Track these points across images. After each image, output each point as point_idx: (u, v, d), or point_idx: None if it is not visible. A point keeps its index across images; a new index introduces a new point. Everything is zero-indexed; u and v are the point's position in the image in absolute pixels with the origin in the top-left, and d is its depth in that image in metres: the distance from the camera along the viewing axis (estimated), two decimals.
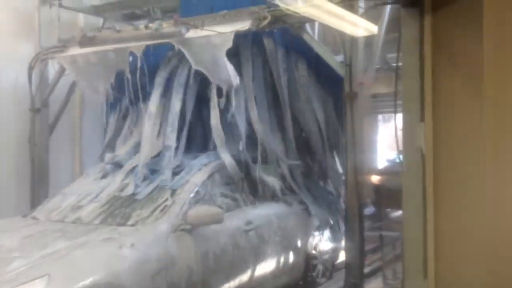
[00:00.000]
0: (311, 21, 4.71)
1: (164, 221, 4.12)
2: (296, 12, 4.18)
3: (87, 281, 3.28)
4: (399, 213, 7.36)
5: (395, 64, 6.75)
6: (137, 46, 5.31)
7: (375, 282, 5.49)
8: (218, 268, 4.31)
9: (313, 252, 5.65)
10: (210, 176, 4.78)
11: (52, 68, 6.57)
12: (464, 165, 2.44)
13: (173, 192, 4.47)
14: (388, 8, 4.87)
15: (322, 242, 5.79)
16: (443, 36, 2.44)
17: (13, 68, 6.56)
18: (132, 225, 4.12)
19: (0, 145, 6.43)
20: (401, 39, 2.63)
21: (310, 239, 5.59)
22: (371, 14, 4.54)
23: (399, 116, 2.95)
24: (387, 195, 7.42)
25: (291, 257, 5.29)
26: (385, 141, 11.89)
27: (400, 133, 2.84)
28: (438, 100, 2.45)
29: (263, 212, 5.09)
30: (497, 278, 2.34)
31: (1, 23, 6.45)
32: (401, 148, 2.87)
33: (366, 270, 5.29)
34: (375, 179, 8.00)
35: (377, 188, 7.79)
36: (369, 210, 6.96)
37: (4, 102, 6.52)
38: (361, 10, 4.45)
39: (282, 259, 5.15)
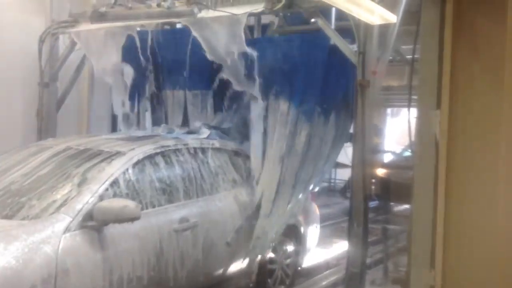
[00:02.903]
0: (326, 5, 4.63)
1: (58, 216, 3.29)
2: None
3: None
4: (403, 207, 7.35)
5: (408, 56, 6.72)
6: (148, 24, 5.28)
7: (377, 274, 5.47)
8: (136, 277, 3.57)
9: (271, 254, 4.95)
10: (143, 161, 4.01)
11: (63, 43, 6.53)
12: (479, 157, 2.39)
13: (83, 179, 3.64)
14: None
15: (283, 242, 5.14)
16: (465, 22, 2.37)
17: (23, 41, 6.54)
18: (22, 219, 3.31)
19: (8, 118, 6.43)
20: (420, 22, 2.56)
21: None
22: (387, 3, 4.45)
23: (412, 110, 2.89)
24: (392, 189, 7.39)
25: (239, 260, 4.63)
26: (393, 135, 11.85)
27: (413, 122, 2.78)
28: (456, 87, 2.39)
29: (209, 207, 4.40)
30: (507, 272, 2.30)
31: None
32: (413, 138, 2.82)
33: (368, 261, 5.27)
34: (380, 172, 7.96)
35: (382, 181, 7.76)
36: (372, 203, 6.95)
37: (14, 75, 6.52)
38: None
39: (226, 263, 4.51)
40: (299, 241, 5.37)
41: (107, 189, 3.60)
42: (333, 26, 5.00)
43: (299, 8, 4.79)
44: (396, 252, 5.80)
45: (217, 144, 4.94)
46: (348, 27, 4.64)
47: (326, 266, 6.17)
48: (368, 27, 4.51)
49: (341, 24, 4.98)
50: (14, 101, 6.57)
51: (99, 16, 5.40)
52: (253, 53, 5.02)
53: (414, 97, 2.88)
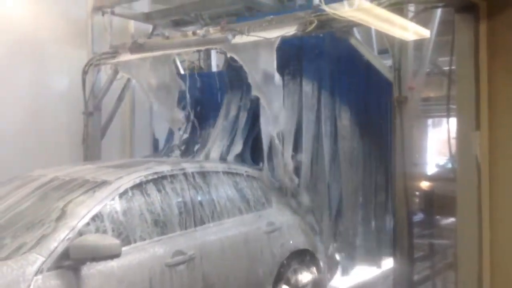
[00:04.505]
0: (358, 25, 4.65)
1: (30, 256, 2.97)
2: (342, 17, 4.14)
3: None
4: (449, 220, 7.15)
5: (445, 68, 6.62)
6: (185, 52, 5.44)
7: None
8: None
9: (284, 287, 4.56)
10: (132, 190, 3.67)
11: (105, 73, 6.79)
12: None
13: (62, 214, 3.30)
14: (439, 10, 4.74)
15: (300, 272, 4.73)
16: (499, 43, 2.35)
17: (68, 73, 6.87)
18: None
19: (56, 146, 6.72)
20: (454, 44, 2.54)
21: (279, 269, 4.49)
22: (421, 17, 4.43)
23: (451, 120, 2.87)
24: (437, 202, 7.22)
25: None
26: (435, 146, 11.60)
27: (452, 136, 2.75)
28: (494, 108, 2.36)
29: (209, 237, 3.98)
30: None
31: (57, 30, 6.76)
32: (453, 153, 2.79)
33: (415, 277, 5.16)
34: (424, 185, 7.80)
35: (426, 195, 7.59)
36: (418, 217, 6.79)
37: (59, 106, 6.83)
38: (410, 14, 4.35)
39: None
40: (318, 268, 4.91)
41: (88, 224, 3.28)
42: (375, 44, 5.01)
43: (331, 29, 4.82)
44: (444, 267, 5.65)
45: (219, 167, 4.59)
46: None
47: (372, 284, 6.06)
48: (402, 43, 4.50)
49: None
50: (60, 131, 6.86)
51: (138, 47, 5.62)
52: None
53: (453, 106, 2.86)
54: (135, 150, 7.50)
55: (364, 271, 6.17)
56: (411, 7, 4.37)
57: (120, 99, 6.99)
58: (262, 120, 5.14)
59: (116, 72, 6.54)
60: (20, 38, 6.33)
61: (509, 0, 2.30)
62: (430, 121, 12.07)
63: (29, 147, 6.34)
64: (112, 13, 6.63)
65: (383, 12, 3.93)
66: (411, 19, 4.22)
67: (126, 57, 6.06)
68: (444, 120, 11.54)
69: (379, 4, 3.99)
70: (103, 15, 6.66)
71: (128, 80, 6.69)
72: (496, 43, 2.36)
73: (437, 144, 11.49)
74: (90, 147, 6.84)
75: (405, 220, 4.50)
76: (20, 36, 6.33)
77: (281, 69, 5.07)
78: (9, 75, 6.27)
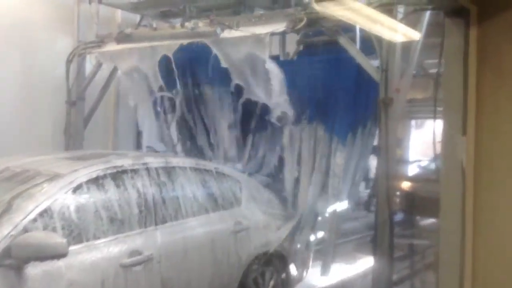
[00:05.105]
0: (348, 24, 4.65)
1: None
2: (332, 16, 4.13)
3: None
4: (430, 221, 7.25)
5: (432, 71, 6.67)
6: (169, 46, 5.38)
7: None
8: None
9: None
10: (87, 185, 3.41)
11: (90, 63, 6.70)
12: (507, 183, 2.36)
13: (7, 208, 3.05)
14: (427, 12, 4.76)
15: (268, 274, 4.54)
16: (489, 48, 2.36)
17: (51, 61, 6.73)
18: None
19: (37, 136, 6.61)
20: (443, 48, 2.55)
21: (246, 271, 4.31)
22: (410, 18, 4.44)
23: (436, 122, 2.89)
24: (418, 203, 7.30)
25: None
26: (418, 147, 11.72)
27: (438, 138, 2.77)
28: (481, 113, 2.38)
29: (170, 236, 3.73)
30: None
31: (42, 17, 6.63)
32: (437, 153, 2.81)
33: (394, 277, 5.21)
34: (406, 185, 7.88)
35: (407, 195, 7.67)
36: (398, 216, 6.87)
37: (42, 94, 6.71)
38: (399, 15, 4.36)
39: None
40: (285, 269, 4.77)
41: (35, 220, 3.03)
42: (358, 42, 5.01)
43: (320, 27, 4.82)
44: (423, 268, 5.72)
45: (186, 163, 4.33)
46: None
47: (350, 283, 6.11)
48: (390, 44, 4.51)
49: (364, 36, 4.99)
50: (42, 119, 6.76)
51: (124, 37, 5.55)
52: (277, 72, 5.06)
53: (439, 108, 2.88)
54: (118, 141, 7.42)
55: (342, 270, 6.23)
56: (401, 9, 4.38)
57: (104, 89, 6.90)
58: None
59: (101, 62, 6.45)
60: (6, 23, 6.20)
61: (501, 5, 2.32)
62: (413, 122, 12.17)
63: (12, 134, 6.22)
64: (99, 1, 6.53)
65: (373, 12, 3.94)
66: (400, 21, 4.24)
67: (112, 47, 5.98)
68: (427, 121, 11.68)
69: (369, 4, 4.00)
70: (90, 3, 6.56)
71: (114, 70, 6.60)
72: (486, 48, 2.38)
73: (419, 145, 11.61)
74: (72, 137, 6.75)
75: (387, 220, 4.53)
76: (6, 21, 6.20)
77: None
78: None
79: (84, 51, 6.49)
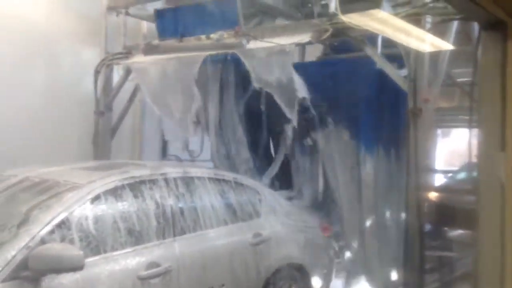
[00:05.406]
0: (374, 34, 4.62)
1: None
2: (358, 26, 4.12)
3: None
4: (458, 232, 7.09)
5: (459, 79, 6.56)
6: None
7: None
8: None
9: None
10: (105, 195, 3.36)
11: (117, 73, 6.80)
12: None
13: (25, 219, 3.03)
14: (455, 22, 4.70)
15: (287, 287, 4.41)
16: None
17: (81, 72, 6.87)
18: None
19: (65, 146, 6.71)
20: (476, 59, 2.50)
21: (265, 285, 4.18)
22: (437, 28, 4.39)
23: (466, 131, 2.84)
24: (446, 213, 7.15)
25: None
26: (444, 156, 11.52)
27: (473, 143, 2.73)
28: None
29: (189, 248, 3.67)
30: None
31: (71, 29, 6.76)
32: (471, 163, 2.76)
33: None
34: (433, 196, 7.73)
35: (435, 206, 7.51)
36: (426, 227, 6.73)
37: (70, 105, 6.82)
38: (427, 25, 4.31)
39: None
40: (306, 282, 4.62)
41: (52, 232, 2.99)
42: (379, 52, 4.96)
43: (346, 37, 4.80)
44: (452, 280, 5.59)
45: (205, 173, 4.26)
46: (395, 54, 4.61)
47: None
48: (418, 54, 4.46)
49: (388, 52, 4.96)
50: (70, 130, 6.85)
51: (151, 49, 5.63)
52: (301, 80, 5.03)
53: (465, 117, 2.83)
54: (144, 151, 7.50)
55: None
56: (429, 18, 4.33)
57: (131, 99, 6.99)
58: None
59: (128, 72, 6.54)
60: (35, 35, 6.34)
61: None
62: (439, 131, 11.99)
63: (40, 144, 6.33)
64: (127, 13, 6.64)
65: (400, 22, 3.90)
66: (428, 30, 4.19)
67: (139, 58, 6.06)
68: (453, 130, 11.48)
69: (396, 15, 3.97)
70: (117, 15, 6.67)
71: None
72: None
73: (446, 155, 11.42)
74: (100, 147, 6.85)
75: (418, 231, 4.46)
76: (35, 33, 6.34)
77: None
78: (24, 72, 6.29)
79: (112, 62, 6.60)
